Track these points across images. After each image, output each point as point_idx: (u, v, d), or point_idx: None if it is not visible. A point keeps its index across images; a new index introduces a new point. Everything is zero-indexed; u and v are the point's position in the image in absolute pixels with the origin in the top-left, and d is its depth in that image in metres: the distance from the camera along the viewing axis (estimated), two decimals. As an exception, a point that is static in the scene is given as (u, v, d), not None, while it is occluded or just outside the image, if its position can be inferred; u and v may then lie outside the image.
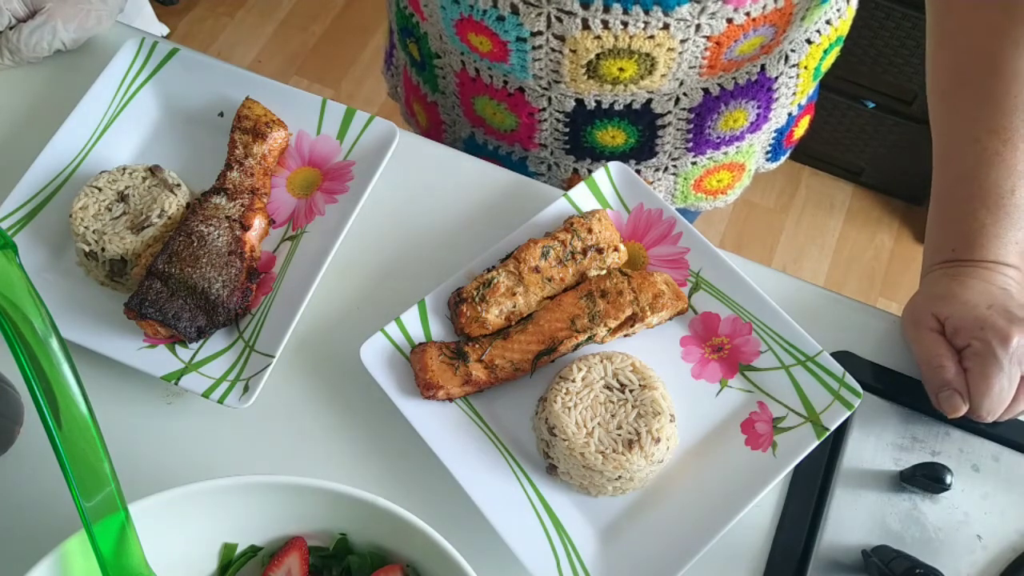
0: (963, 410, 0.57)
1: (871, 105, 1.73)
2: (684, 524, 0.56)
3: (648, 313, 0.61)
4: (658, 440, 0.56)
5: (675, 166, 0.82)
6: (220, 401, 0.58)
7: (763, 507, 0.59)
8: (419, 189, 0.70)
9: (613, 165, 0.66)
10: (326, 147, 0.69)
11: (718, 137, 0.80)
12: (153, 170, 0.66)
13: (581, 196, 0.66)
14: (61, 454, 0.41)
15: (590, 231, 0.63)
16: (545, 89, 0.73)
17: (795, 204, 1.96)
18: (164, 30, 2.01)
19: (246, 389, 0.58)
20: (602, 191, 0.66)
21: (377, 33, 2.13)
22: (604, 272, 0.63)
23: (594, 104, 0.73)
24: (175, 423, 0.61)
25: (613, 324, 0.60)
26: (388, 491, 0.57)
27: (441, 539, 0.46)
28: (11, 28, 0.71)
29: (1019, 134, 0.59)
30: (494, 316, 0.61)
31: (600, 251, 0.63)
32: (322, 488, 0.48)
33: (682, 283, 0.64)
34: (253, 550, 0.51)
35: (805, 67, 0.79)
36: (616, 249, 0.64)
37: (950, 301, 0.59)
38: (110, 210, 0.64)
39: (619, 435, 0.56)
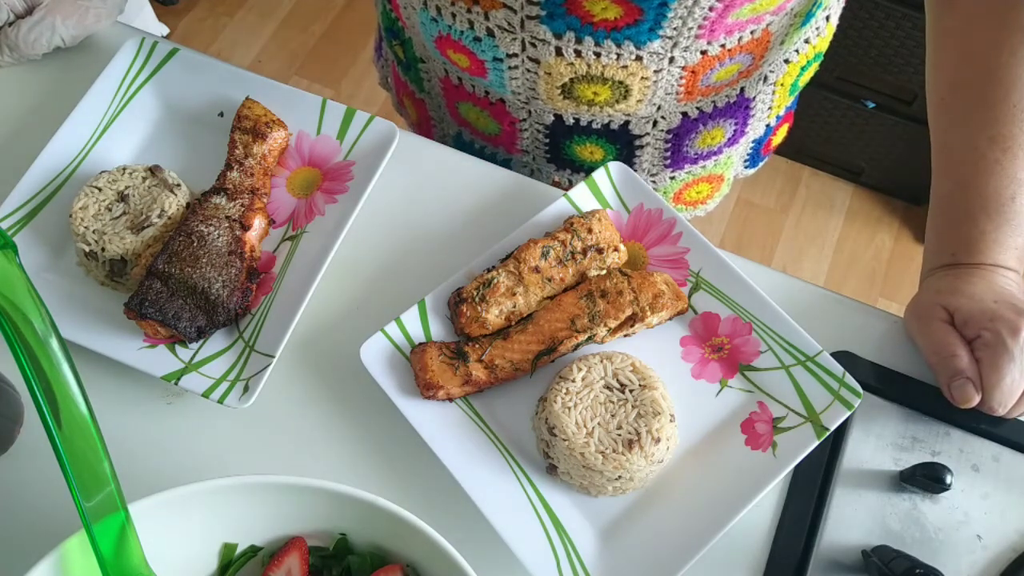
0: (976, 400, 0.57)
1: (871, 105, 1.73)
2: (684, 524, 0.56)
3: (648, 313, 0.60)
4: (658, 440, 0.56)
5: (654, 181, 0.83)
6: (220, 401, 0.58)
7: (763, 507, 0.59)
8: (419, 189, 0.70)
9: (613, 165, 0.66)
10: (326, 147, 0.69)
11: (696, 153, 0.80)
12: (153, 170, 0.66)
13: (581, 196, 0.66)
14: (61, 454, 0.41)
15: (590, 231, 0.63)
16: (524, 103, 0.73)
17: (795, 204, 1.96)
18: (164, 30, 2.01)
19: (246, 389, 0.58)
20: (602, 191, 0.66)
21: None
22: (604, 272, 0.63)
23: (572, 121, 0.74)
24: (175, 423, 0.61)
25: (613, 324, 0.60)
26: (388, 491, 0.57)
27: (441, 539, 0.46)
28: (10, 25, 0.71)
29: (1018, 142, 0.59)
30: (494, 316, 0.61)
31: (600, 251, 0.63)
32: (322, 488, 0.48)
33: (682, 283, 0.64)
34: (253, 550, 0.51)
35: (782, 84, 0.79)
36: (616, 249, 0.63)
37: (958, 295, 0.59)
38: (110, 210, 0.64)
39: (619, 435, 0.56)
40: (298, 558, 0.50)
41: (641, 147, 0.77)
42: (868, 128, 1.78)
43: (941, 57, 0.64)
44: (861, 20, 1.56)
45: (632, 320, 0.61)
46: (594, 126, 0.74)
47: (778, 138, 0.91)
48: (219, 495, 0.48)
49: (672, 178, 0.83)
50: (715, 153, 0.82)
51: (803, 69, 0.80)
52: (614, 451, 0.56)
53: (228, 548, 0.51)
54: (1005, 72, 0.59)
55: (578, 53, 0.64)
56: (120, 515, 0.44)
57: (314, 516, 0.50)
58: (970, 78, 0.61)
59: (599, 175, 0.66)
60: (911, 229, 1.92)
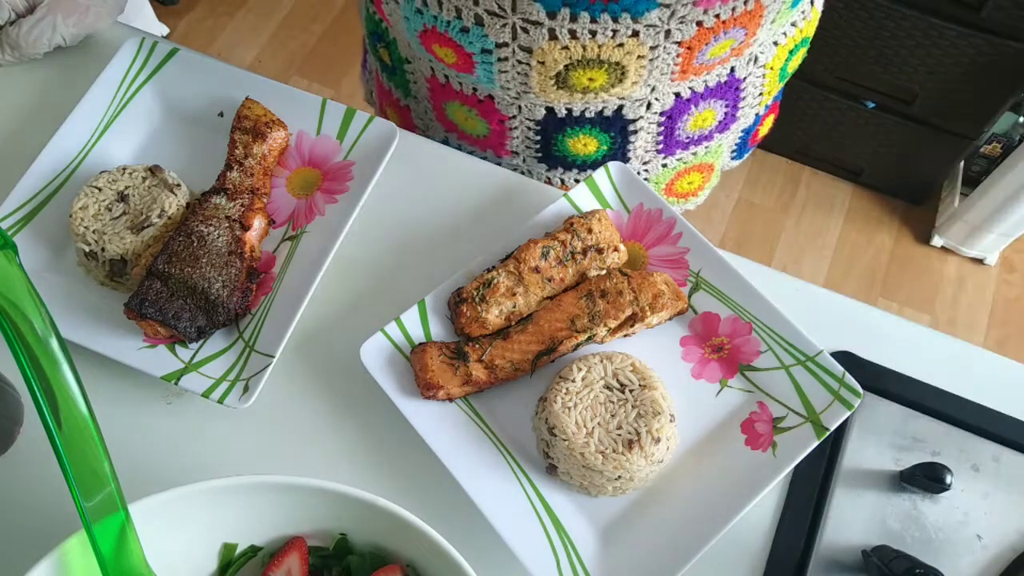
0: None
1: (871, 105, 1.73)
2: (684, 524, 0.56)
3: (648, 313, 0.61)
4: (658, 440, 0.56)
5: (646, 170, 0.82)
6: (220, 401, 0.58)
7: (763, 507, 0.59)
8: (419, 189, 0.70)
9: (613, 165, 0.66)
10: (326, 147, 0.69)
11: (687, 137, 0.80)
12: (153, 170, 0.66)
13: (581, 196, 0.66)
14: (61, 454, 0.41)
15: (590, 231, 0.63)
16: (515, 98, 0.72)
17: (795, 204, 1.96)
18: (164, 30, 2.01)
19: (246, 389, 0.58)
20: (602, 191, 0.66)
21: (377, 33, 2.14)
22: (604, 272, 0.63)
23: (565, 112, 0.73)
24: (175, 423, 0.61)
25: (613, 324, 0.60)
26: (388, 491, 0.58)
27: (441, 539, 0.46)
28: (11, 24, 0.71)
29: None
30: (494, 316, 0.61)
31: (600, 251, 0.63)
32: (322, 488, 0.48)
33: (682, 283, 0.64)
34: (253, 550, 0.51)
35: (771, 68, 0.79)
36: (616, 249, 0.64)
37: None
38: (110, 210, 0.64)
39: (619, 435, 0.56)
40: (298, 558, 0.50)
41: (635, 132, 0.76)
42: (868, 128, 1.78)
43: None
44: (861, 20, 1.56)
45: (632, 320, 0.61)
46: (587, 115, 0.74)
47: (764, 129, 0.91)
48: (219, 495, 0.48)
49: (664, 166, 0.83)
50: (706, 138, 0.82)
51: (791, 53, 0.80)
52: (614, 451, 0.56)
53: (228, 548, 0.51)
54: None
55: (573, 34, 0.63)
56: (120, 515, 0.44)
57: (314, 516, 0.50)
58: None
59: (599, 175, 0.66)
60: (911, 229, 1.92)
